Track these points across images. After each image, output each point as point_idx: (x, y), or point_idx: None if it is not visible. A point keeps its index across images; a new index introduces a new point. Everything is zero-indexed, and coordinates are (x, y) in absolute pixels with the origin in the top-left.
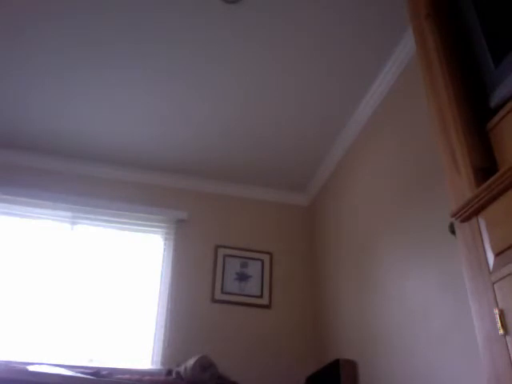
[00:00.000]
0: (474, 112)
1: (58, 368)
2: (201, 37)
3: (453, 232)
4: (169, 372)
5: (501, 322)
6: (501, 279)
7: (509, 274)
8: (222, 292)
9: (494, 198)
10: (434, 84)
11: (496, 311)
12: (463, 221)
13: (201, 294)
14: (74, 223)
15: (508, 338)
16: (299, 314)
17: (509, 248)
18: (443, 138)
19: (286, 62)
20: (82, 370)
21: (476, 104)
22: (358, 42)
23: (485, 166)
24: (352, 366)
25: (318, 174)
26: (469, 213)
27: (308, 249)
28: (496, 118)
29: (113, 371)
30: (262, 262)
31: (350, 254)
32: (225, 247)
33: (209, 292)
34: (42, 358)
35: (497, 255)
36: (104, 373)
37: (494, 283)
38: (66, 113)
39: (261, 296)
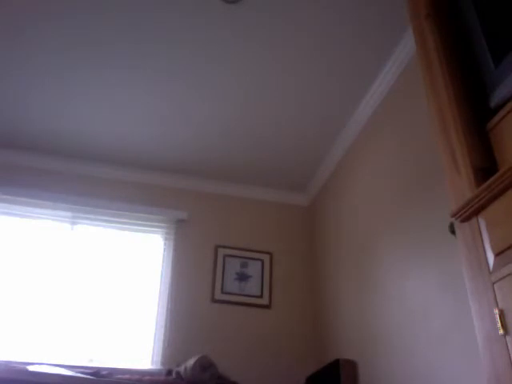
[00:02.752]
0: (474, 112)
1: (58, 368)
2: (201, 37)
3: (453, 232)
4: (169, 372)
5: (501, 321)
6: (501, 279)
7: (509, 274)
8: (222, 292)
9: (494, 198)
10: (434, 84)
11: (496, 311)
12: (463, 221)
13: (201, 294)
14: (74, 223)
15: (508, 338)
16: (299, 314)
17: (509, 248)
18: (443, 138)
19: (286, 62)
20: (82, 370)
21: (476, 104)
22: (358, 41)
23: (485, 165)
24: (352, 365)
25: (318, 174)
26: (469, 213)
27: (308, 249)
28: (496, 118)
29: (113, 371)
30: (262, 261)
31: (349, 254)
32: (225, 247)
33: (209, 292)
34: (42, 357)
35: (497, 255)
36: (104, 373)
37: (494, 283)
38: (65, 113)
39: (261, 296)
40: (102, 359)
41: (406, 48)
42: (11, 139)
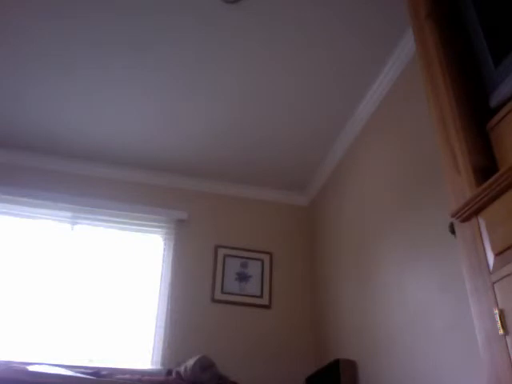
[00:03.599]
0: (474, 112)
1: (57, 368)
2: (200, 37)
3: (453, 232)
4: (169, 372)
5: (501, 321)
6: (501, 279)
7: (509, 274)
8: (222, 292)
9: (494, 198)
10: (434, 84)
11: (496, 311)
12: (463, 221)
13: (201, 294)
14: (74, 223)
15: (508, 338)
16: (299, 313)
17: (509, 248)
18: (443, 137)
19: (286, 62)
20: (81, 370)
21: (476, 104)
22: (357, 42)
23: (485, 165)
24: (352, 365)
25: (318, 174)
26: (469, 213)
27: (308, 249)
28: (496, 118)
29: (113, 371)
30: (262, 261)
31: (349, 254)
32: (225, 247)
33: (209, 292)
34: (42, 357)
35: (497, 255)
36: (104, 373)
37: (494, 283)
38: (66, 113)
39: (261, 296)
40: (102, 359)
41: (406, 48)
42: (11, 139)
